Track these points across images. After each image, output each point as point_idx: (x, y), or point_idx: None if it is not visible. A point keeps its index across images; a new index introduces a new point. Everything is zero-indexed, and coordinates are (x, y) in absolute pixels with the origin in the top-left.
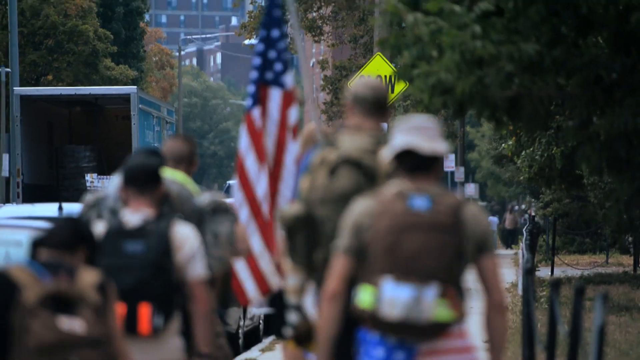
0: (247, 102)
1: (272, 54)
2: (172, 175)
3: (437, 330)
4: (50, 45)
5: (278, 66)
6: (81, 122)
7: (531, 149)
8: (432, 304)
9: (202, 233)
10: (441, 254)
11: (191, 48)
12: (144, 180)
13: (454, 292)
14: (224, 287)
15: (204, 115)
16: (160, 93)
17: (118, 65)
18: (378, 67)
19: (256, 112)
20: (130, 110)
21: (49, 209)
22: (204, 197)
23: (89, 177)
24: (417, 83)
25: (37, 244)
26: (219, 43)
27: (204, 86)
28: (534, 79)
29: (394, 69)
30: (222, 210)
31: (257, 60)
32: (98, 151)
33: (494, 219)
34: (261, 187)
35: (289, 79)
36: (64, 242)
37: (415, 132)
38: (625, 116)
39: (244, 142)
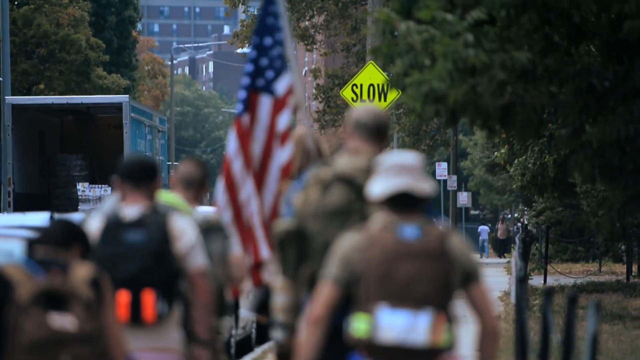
0: (237, 107)
1: (264, 61)
2: (164, 198)
3: (432, 354)
4: (42, 55)
5: (269, 73)
6: (73, 131)
7: (524, 157)
8: (427, 329)
9: None
10: (433, 281)
11: (183, 57)
12: (139, 175)
13: (446, 318)
14: (218, 299)
15: (196, 124)
16: (152, 102)
17: (110, 74)
18: (370, 76)
19: (245, 118)
20: (122, 119)
21: (41, 218)
22: (196, 217)
23: (80, 186)
24: (410, 91)
25: (32, 243)
26: (211, 52)
27: (196, 95)
28: (526, 87)
29: (387, 77)
30: (213, 229)
31: (249, 67)
32: (90, 160)
33: (485, 228)
34: (245, 191)
35: (280, 86)
36: (58, 239)
37: (407, 173)
38: (618, 124)
39: (232, 147)
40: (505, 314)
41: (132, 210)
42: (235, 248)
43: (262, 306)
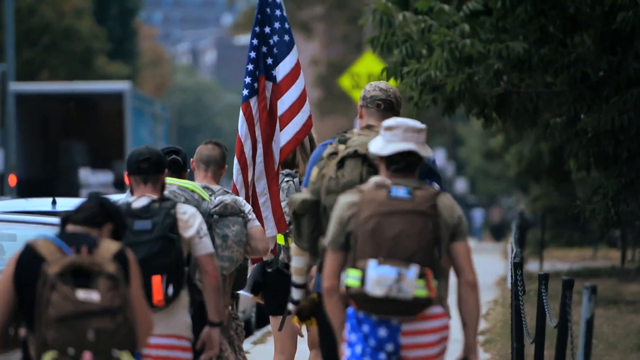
0: (244, 92)
1: (264, 49)
2: (180, 183)
3: (417, 306)
4: (46, 43)
5: (269, 60)
6: (75, 118)
7: (520, 144)
8: (412, 283)
9: (211, 236)
10: (421, 238)
11: (185, 45)
12: (147, 169)
13: (431, 274)
14: (237, 280)
15: (198, 112)
16: (153, 90)
17: (112, 63)
18: (369, 65)
19: (253, 102)
20: (123, 107)
21: (43, 203)
22: (213, 202)
23: (82, 172)
24: (407, 80)
25: (64, 220)
26: (212, 40)
27: (197, 83)
28: (522, 76)
29: (385, 64)
30: (230, 213)
31: (252, 54)
32: (92, 147)
33: (480, 212)
34: (256, 170)
35: (280, 72)
36: (90, 218)
37: (406, 136)
38: (612, 113)
39: (242, 130)
40: (502, 299)
41: (140, 201)
42: (256, 222)
43: (257, 287)
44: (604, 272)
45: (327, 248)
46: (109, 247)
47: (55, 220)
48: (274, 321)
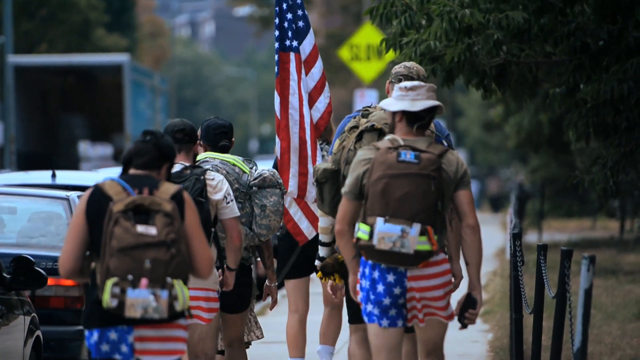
0: (276, 69)
1: (284, 24)
2: (222, 157)
3: (418, 258)
4: (44, 15)
5: (290, 34)
6: (74, 91)
7: (519, 115)
8: (414, 239)
9: (250, 206)
10: (424, 199)
11: (183, 17)
12: (181, 139)
13: (432, 230)
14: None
15: (197, 84)
16: (152, 62)
17: (111, 35)
18: (368, 36)
19: (283, 77)
20: (122, 79)
21: (43, 176)
22: (253, 174)
23: (82, 145)
24: (407, 51)
25: (126, 163)
26: (211, 12)
27: (196, 55)
28: (521, 46)
29: (384, 35)
30: (268, 185)
31: (276, 33)
32: (91, 119)
33: (475, 184)
34: (294, 142)
35: (306, 47)
36: (150, 163)
37: (432, 94)
38: (612, 83)
39: (277, 106)
40: (501, 270)
41: (174, 167)
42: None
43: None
44: (603, 243)
45: (343, 194)
46: (167, 188)
47: (55, 192)
48: (288, 284)
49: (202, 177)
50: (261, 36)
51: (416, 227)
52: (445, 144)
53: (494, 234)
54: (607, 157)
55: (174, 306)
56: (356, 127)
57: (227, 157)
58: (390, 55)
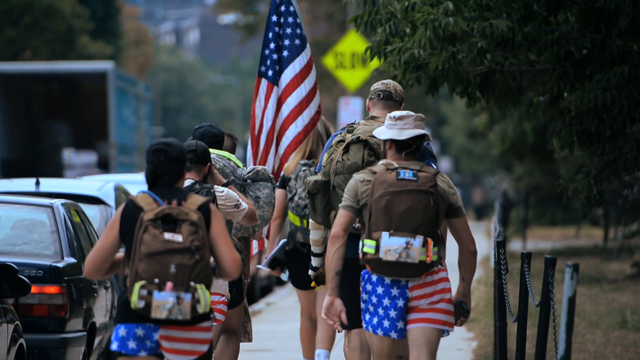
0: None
1: (266, 52)
2: (219, 152)
3: (421, 269)
4: (28, 23)
5: (267, 62)
6: (58, 99)
7: (503, 123)
8: (418, 250)
9: (245, 197)
10: (424, 212)
11: (168, 25)
12: (192, 159)
13: (432, 243)
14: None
15: (181, 92)
16: (137, 70)
17: (95, 42)
18: (352, 44)
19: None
20: (106, 87)
21: (26, 183)
22: (245, 169)
23: (66, 152)
24: (391, 59)
25: (151, 184)
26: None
27: (180, 62)
28: (505, 55)
29: (369, 43)
30: (260, 178)
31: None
32: (75, 127)
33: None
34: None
35: (287, 76)
36: (176, 178)
37: (419, 124)
38: (595, 91)
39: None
40: (485, 278)
41: (185, 182)
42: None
43: (274, 262)
44: (587, 251)
45: (341, 208)
46: (195, 200)
47: (39, 200)
48: (299, 292)
49: (212, 190)
50: (246, 44)
51: (419, 239)
52: (434, 167)
53: (478, 242)
54: (590, 166)
55: (196, 309)
56: (342, 141)
57: (222, 152)
58: (375, 63)
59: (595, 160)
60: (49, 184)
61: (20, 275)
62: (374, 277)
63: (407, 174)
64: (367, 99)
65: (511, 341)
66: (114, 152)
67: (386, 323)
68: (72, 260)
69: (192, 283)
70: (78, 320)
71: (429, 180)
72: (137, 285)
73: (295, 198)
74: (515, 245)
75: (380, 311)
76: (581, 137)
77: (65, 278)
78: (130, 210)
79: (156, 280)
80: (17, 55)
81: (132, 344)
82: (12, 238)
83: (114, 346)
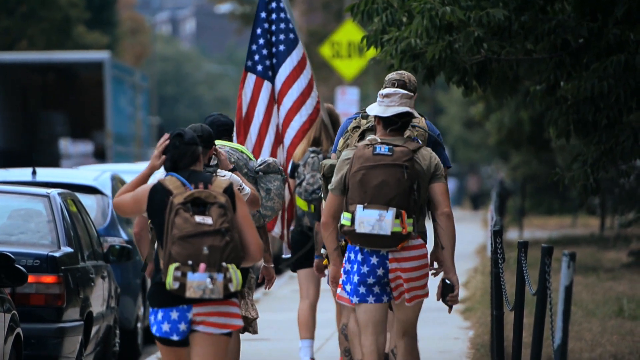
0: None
1: (253, 47)
2: (232, 145)
3: (395, 240)
4: (24, 12)
5: (256, 57)
6: (55, 88)
7: (500, 112)
8: (390, 222)
9: (256, 189)
10: (398, 186)
11: (164, 14)
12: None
13: (406, 215)
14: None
15: (178, 81)
16: (133, 59)
17: (91, 32)
18: (349, 33)
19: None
20: (103, 76)
21: (23, 173)
22: (257, 161)
23: (62, 142)
24: (387, 48)
25: (172, 168)
26: (192, 9)
27: (177, 52)
28: (502, 44)
29: (365, 32)
30: (272, 171)
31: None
32: (72, 117)
33: (456, 181)
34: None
35: (283, 73)
36: (194, 160)
37: (405, 101)
38: (592, 80)
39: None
40: (482, 267)
41: None
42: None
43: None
44: (583, 240)
45: (330, 191)
46: (220, 183)
47: (36, 189)
48: (300, 273)
49: (214, 174)
50: (242, 33)
51: (392, 211)
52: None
53: (474, 231)
54: (587, 155)
55: (228, 287)
56: (358, 127)
57: (235, 145)
58: (372, 52)
59: (591, 149)
60: (45, 173)
61: (17, 265)
62: (356, 248)
63: (382, 149)
64: (382, 88)
65: (508, 330)
66: (111, 141)
67: (362, 289)
68: (69, 249)
69: (223, 263)
70: (75, 309)
71: (405, 155)
72: (172, 267)
73: (304, 183)
74: (512, 235)
75: (355, 278)
76: (578, 126)
77: (62, 268)
78: (158, 192)
79: (189, 262)
80: (13, 45)
81: (165, 327)
82: (8, 228)
83: (154, 330)
